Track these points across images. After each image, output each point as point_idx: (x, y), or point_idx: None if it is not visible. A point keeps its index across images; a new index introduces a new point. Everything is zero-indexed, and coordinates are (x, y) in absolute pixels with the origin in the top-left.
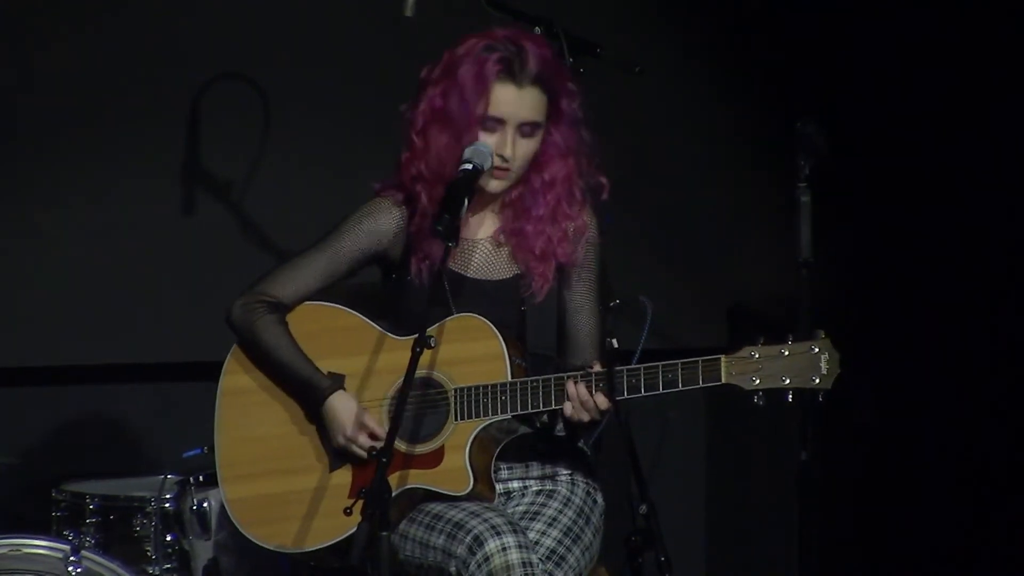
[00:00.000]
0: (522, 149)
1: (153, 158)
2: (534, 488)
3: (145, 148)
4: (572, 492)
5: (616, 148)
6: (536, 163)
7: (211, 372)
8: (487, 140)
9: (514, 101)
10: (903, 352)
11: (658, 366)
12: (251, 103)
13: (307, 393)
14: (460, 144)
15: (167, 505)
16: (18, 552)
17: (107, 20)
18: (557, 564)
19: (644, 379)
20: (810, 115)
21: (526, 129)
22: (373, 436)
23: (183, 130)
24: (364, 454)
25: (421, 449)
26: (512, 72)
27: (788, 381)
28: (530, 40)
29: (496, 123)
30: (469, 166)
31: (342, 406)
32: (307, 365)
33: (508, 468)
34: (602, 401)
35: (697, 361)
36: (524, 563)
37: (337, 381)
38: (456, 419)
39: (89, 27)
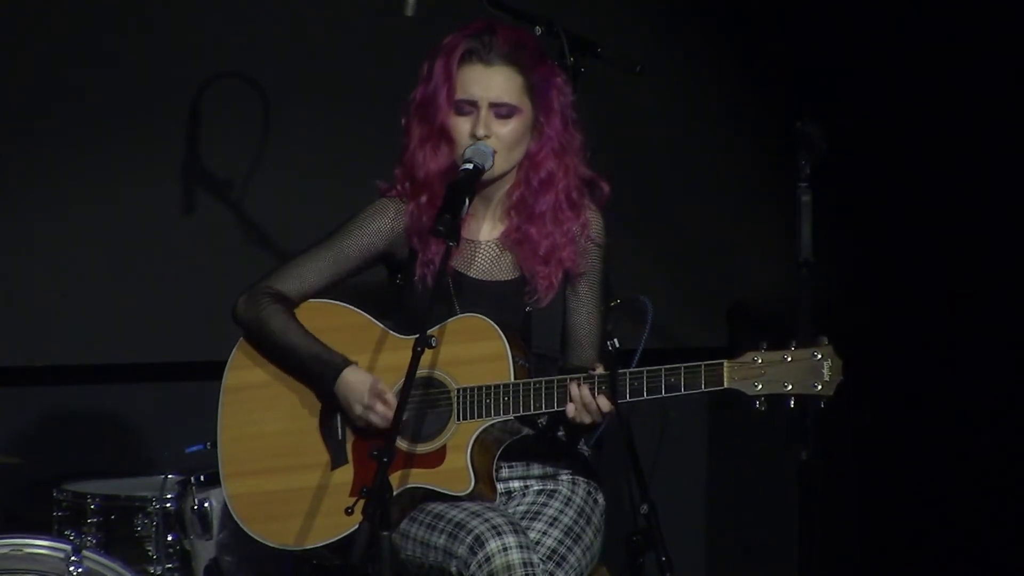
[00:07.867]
0: (502, 130)
1: (153, 158)
2: (535, 488)
3: (145, 148)
4: (573, 492)
5: (616, 148)
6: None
7: (212, 371)
8: (463, 126)
9: (481, 80)
10: (903, 352)
11: (661, 369)
12: (251, 102)
13: (319, 372)
14: (434, 133)
15: (168, 505)
16: (19, 552)
17: (107, 20)
18: (558, 564)
19: (646, 382)
20: (810, 115)
21: (501, 110)
22: (388, 406)
23: (183, 130)
24: (381, 423)
25: (423, 448)
26: (479, 53)
27: (790, 387)
28: (505, 26)
29: (469, 105)
30: (470, 166)
31: (356, 378)
32: (318, 345)
33: (509, 467)
34: (604, 404)
35: (700, 365)
36: (525, 563)
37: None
38: (458, 419)
39: (88, 27)
